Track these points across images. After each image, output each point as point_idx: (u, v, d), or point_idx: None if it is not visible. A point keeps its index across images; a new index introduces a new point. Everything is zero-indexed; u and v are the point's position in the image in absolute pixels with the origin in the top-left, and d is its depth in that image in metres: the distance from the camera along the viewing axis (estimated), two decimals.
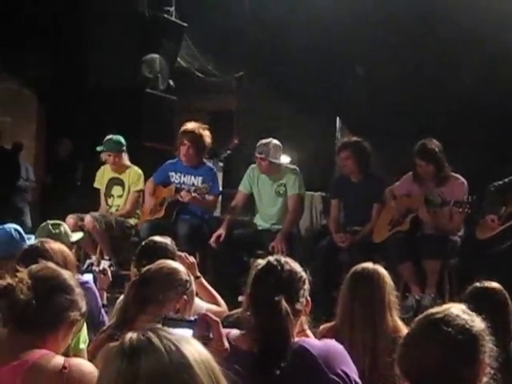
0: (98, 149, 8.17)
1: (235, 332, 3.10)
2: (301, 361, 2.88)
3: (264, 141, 7.57)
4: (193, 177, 7.83)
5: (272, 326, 2.92)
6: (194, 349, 1.78)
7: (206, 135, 7.80)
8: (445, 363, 2.29)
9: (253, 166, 7.81)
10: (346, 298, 3.94)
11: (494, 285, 3.99)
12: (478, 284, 4.00)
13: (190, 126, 7.82)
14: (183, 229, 7.49)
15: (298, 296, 3.05)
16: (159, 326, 1.93)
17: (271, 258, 3.13)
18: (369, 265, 4.02)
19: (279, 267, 3.06)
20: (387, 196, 7.38)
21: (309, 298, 3.12)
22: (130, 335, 1.78)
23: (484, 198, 6.96)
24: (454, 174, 7.12)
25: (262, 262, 3.16)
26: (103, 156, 8.25)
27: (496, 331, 2.49)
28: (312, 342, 3.02)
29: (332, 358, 2.93)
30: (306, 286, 3.11)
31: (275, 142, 7.55)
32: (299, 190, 7.61)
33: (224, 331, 2.99)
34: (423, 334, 2.37)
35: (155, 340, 1.75)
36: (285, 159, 7.62)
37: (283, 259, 3.12)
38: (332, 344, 3.03)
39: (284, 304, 2.94)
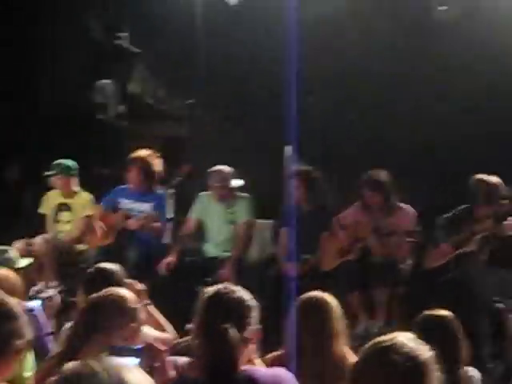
0: (47, 173, 8.10)
1: (184, 360, 3.08)
2: None
3: (216, 168, 7.61)
4: (141, 203, 7.80)
5: (219, 354, 2.91)
6: (135, 377, 1.76)
7: (156, 163, 7.79)
8: None
9: (203, 193, 7.83)
10: (295, 327, 3.93)
11: (444, 313, 4.03)
12: (427, 312, 4.04)
13: (141, 152, 7.80)
14: (132, 256, 7.44)
15: (247, 324, 3.04)
16: (105, 354, 1.90)
17: (220, 286, 3.13)
18: (317, 293, 4.03)
19: (228, 295, 3.06)
20: (335, 225, 7.43)
21: (258, 326, 3.11)
22: (71, 364, 1.76)
23: (436, 229, 7.02)
24: (401, 204, 7.19)
25: (211, 289, 3.15)
26: (52, 180, 8.16)
27: (444, 359, 2.51)
28: (260, 371, 3.01)
29: None
30: (255, 314, 3.11)
31: (226, 167, 7.62)
32: (249, 216, 7.66)
33: (171, 359, 2.97)
34: (371, 362, 2.38)
35: (96, 367, 1.72)
36: (237, 182, 7.68)
37: (232, 287, 3.11)
38: (281, 372, 3.03)
39: (232, 332, 2.92)
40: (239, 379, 2.88)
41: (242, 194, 7.79)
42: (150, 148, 7.98)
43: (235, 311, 3.03)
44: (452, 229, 6.93)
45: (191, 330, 3.81)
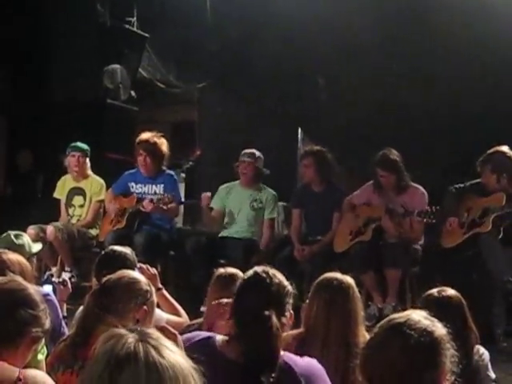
0: (62, 155, 8.14)
1: (221, 337, 3.03)
2: (285, 377, 2.85)
3: (249, 150, 7.69)
4: (154, 186, 7.82)
5: (261, 340, 2.86)
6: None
7: (162, 143, 7.80)
8: (407, 366, 2.30)
9: (226, 184, 7.90)
10: (322, 313, 3.74)
11: (450, 292, 3.94)
12: (433, 291, 3.95)
13: (145, 135, 7.81)
14: (139, 240, 7.42)
15: (285, 310, 3.00)
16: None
17: (259, 270, 3.05)
18: (338, 275, 3.88)
19: (268, 280, 2.99)
20: (345, 207, 7.41)
21: (292, 311, 3.06)
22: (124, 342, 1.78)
23: (444, 200, 6.97)
24: (413, 184, 7.16)
25: (249, 272, 3.09)
26: (67, 160, 8.17)
27: (456, 337, 2.49)
28: (295, 359, 2.96)
29: (313, 378, 2.91)
30: (291, 300, 3.06)
31: (258, 152, 7.72)
32: (274, 212, 7.82)
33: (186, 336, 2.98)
34: (386, 338, 2.37)
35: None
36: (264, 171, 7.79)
37: (271, 271, 3.05)
38: (313, 364, 3.00)
39: (274, 320, 2.88)
40: (278, 366, 2.86)
41: (271, 191, 7.88)
42: (160, 132, 7.98)
43: (276, 297, 2.96)
44: (462, 200, 6.87)
45: (205, 311, 3.80)
